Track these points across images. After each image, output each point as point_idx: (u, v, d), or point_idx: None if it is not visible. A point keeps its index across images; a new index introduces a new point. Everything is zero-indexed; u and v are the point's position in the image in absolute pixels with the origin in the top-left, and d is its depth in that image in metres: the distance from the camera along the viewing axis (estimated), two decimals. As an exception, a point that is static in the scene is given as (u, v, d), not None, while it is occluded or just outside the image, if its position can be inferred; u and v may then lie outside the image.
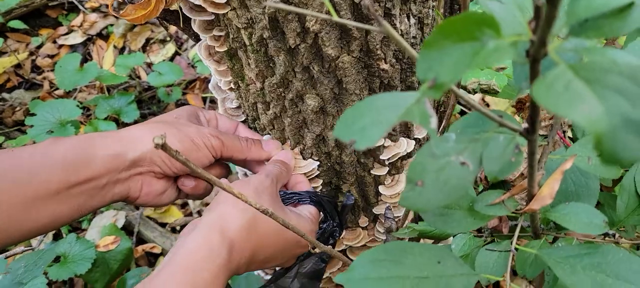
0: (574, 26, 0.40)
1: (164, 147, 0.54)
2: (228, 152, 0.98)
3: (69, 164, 0.82)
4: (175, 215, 2.30)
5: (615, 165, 0.27)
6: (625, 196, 0.65)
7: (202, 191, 1.02)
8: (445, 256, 0.54)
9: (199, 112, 1.04)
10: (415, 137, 1.11)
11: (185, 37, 2.92)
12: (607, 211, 0.67)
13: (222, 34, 0.94)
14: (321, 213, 1.03)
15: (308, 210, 0.99)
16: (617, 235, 0.63)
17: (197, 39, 1.08)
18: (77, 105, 2.17)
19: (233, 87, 1.07)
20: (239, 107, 1.12)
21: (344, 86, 0.90)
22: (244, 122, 1.12)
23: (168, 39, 2.92)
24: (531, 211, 0.57)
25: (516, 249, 0.59)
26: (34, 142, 2.47)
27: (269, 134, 1.08)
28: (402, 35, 0.90)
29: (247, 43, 0.89)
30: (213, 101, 2.70)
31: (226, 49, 0.95)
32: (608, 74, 0.29)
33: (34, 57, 2.99)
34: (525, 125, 0.46)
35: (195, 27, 0.97)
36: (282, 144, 1.06)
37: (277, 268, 1.03)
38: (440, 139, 0.47)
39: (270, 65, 0.91)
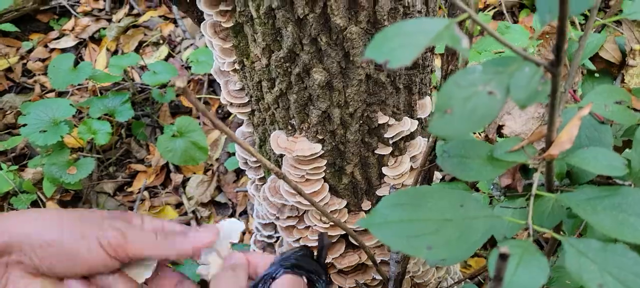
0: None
1: (184, 91, 0.53)
2: (135, 249, 0.76)
3: None
4: (170, 215, 2.28)
5: None
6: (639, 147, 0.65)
7: None
8: (467, 199, 0.54)
9: (136, 219, 0.83)
10: (418, 117, 1.12)
11: (178, 39, 2.92)
12: (619, 169, 0.67)
13: (229, 8, 0.94)
14: (304, 277, 0.85)
15: (284, 285, 0.80)
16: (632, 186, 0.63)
17: (200, 21, 1.08)
18: (71, 105, 2.15)
19: (237, 68, 1.07)
20: (242, 89, 1.11)
21: (351, 59, 0.91)
22: (247, 103, 1.12)
23: (161, 41, 2.91)
24: (550, 157, 0.57)
25: (535, 196, 0.59)
26: (28, 143, 2.44)
27: (275, 119, 1.07)
28: (407, 7, 0.90)
29: (255, 15, 0.89)
30: (206, 102, 2.69)
31: (232, 24, 0.95)
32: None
33: (24, 61, 2.96)
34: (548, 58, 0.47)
35: (201, 4, 0.97)
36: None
37: None
38: (466, 70, 0.47)
39: (278, 38, 0.91)
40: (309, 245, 1.15)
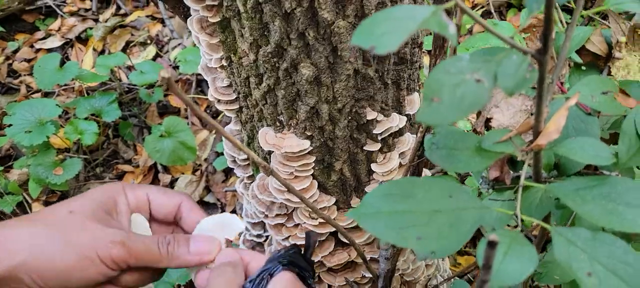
0: None
1: (169, 82, 0.52)
2: (139, 262, 0.78)
3: None
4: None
5: None
6: (627, 139, 0.65)
7: None
8: (456, 190, 0.54)
9: (118, 196, 0.84)
10: (407, 113, 1.12)
11: (166, 39, 2.90)
12: (607, 161, 0.67)
13: (216, 3, 0.93)
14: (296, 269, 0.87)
15: (283, 281, 0.81)
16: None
17: (186, 17, 1.07)
18: (57, 105, 2.13)
19: (224, 64, 1.06)
20: (229, 86, 1.10)
21: (339, 54, 0.90)
22: (234, 100, 1.11)
23: (149, 41, 2.89)
24: (538, 148, 0.57)
25: (523, 187, 0.59)
26: (13, 144, 2.41)
27: (264, 123, 1.06)
28: (395, 1, 0.90)
29: (242, 10, 0.89)
30: (194, 102, 2.68)
31: (219, 19, 0.95)
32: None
33: (10, 61, 2.93)
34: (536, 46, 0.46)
35: (187, 0, 0.96)
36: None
37: None
38: (454, 58, 0.47)
39: (265, 33, 0.90)
40: (298, 243, 1.15)
